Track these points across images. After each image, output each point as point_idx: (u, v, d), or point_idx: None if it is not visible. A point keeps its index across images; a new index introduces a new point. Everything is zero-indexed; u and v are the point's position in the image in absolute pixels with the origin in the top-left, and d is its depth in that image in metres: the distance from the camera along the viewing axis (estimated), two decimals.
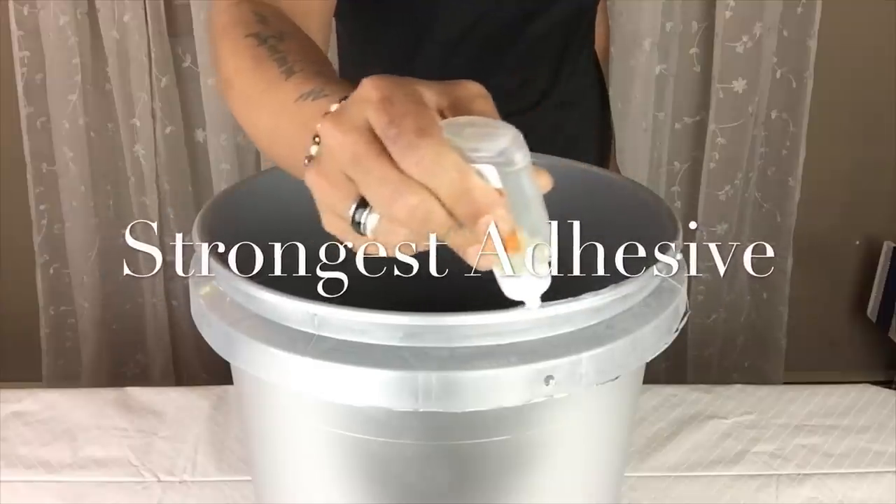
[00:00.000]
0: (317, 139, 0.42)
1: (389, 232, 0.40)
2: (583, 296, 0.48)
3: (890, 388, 1.06)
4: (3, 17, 1.82)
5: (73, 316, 2.04)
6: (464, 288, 0.74)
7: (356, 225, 0.41)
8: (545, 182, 0.41)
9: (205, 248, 0.54)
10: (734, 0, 1.79)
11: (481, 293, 0.64)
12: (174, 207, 1.95)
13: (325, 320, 0.47)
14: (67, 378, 2.07)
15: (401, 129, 0.37)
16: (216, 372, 1.54)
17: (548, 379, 0.46)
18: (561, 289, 0.52)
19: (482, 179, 0.38)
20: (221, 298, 0.52)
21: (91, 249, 1.96)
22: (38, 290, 2.01)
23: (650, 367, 0.57)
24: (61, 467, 0.91)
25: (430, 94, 0.41)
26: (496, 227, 0.38)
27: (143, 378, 2.09)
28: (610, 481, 0.61)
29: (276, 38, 0.58)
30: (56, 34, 1.78)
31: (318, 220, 0.72)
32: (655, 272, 0.52)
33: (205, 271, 0.55)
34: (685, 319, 0.54)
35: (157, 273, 1.99)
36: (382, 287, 0.68)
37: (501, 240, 0.39)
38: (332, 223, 0.43)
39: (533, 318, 0.47)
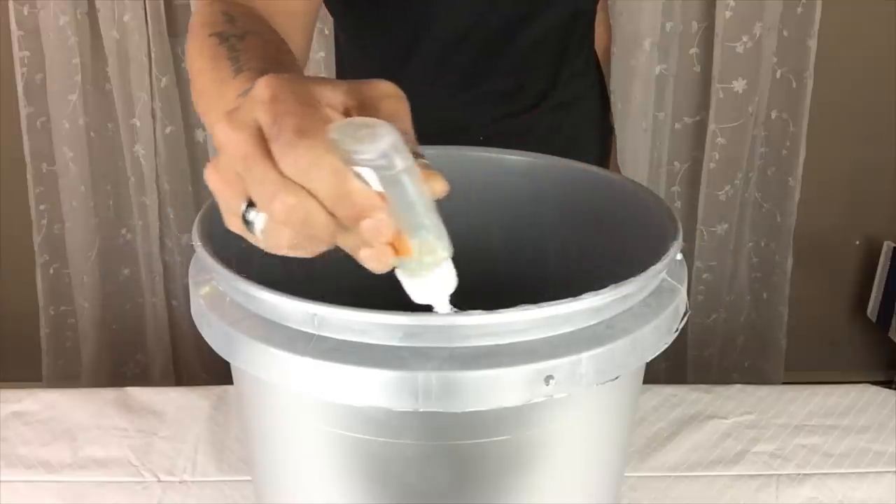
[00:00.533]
0: None
1: (276, 232, 0.40)
2: (583, 296, 0.48)
3: (890, 388, 1.06)
4: (3, 17, 1.82)
5: (73, 316, 2.04)
6: (464, 288, 0.74)
7: (248, 224, 0.40)
8: (439, 187, 0.40)
9: (205, 249, 0.54)
10: (734, 0, 1.79)
11: (481, 293, 0.64)
12: (174, 207, 1.95)
13: (325, 320, 0.47)
14: (67, 378, 2.07)
15: (282, 128, 0.37)
16: (216, 372, 1.54)
17: (548, 379, 0.46)
18: (561, 289, 0.52)
19: (362, 182, 0.37)
20: (221, 298, 0.52)
21: (91, 249, 1.96)
22: (38, 290, 2.01)
23: (650, 367, 0.57)
24: (61, 467, 0.91)
25: (335, 94, 0.40)
26: (378, 230, 0.38)
27: (143, 378, 2.09)
28: (610, 481, 0.61)
29: (237, 38, 0.58)
30: (56, 34, 1.78)
31: None
32: (655, 272, 0.52)
33: (205, 271, 0.55)
34: (685, 319, 0.54)
35: (156, 273, 2.00)
36: (382, 287, 0.68)
37: (389, 243, 0.39)
38: (231, 221, 0.42)
39: (533, 317, 0.47)
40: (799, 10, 1.84)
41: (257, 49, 0.56)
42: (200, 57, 0.58)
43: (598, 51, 1.13)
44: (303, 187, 0.37)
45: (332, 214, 0.38)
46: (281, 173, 0.37)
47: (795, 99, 1.91)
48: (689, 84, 1.93)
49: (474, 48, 0.93)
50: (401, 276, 0.42)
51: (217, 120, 0.39)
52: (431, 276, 0.42)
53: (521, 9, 0.93)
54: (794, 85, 1.90)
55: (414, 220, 0.39)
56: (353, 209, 0.38)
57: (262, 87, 0.39)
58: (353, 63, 1.01)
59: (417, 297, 0.43)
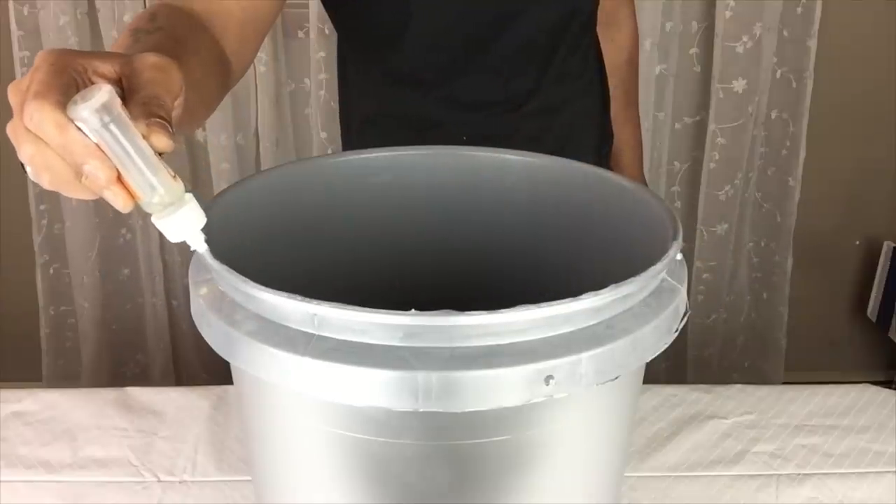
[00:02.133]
0: None
1: (36, 175, 0.47)
2: (583, 296, 0.48)
3: (890, 388, 1.06)
4: (3, 17, 1.82)
5: (73, 316, 2.04)
6: (464, 288, 0.74)
7: (25, 169, 0.48)
8: (161, 143, 0.47)
9: (205, 248, 0.53)
10: (734, 0, 1.79)
11: (481, 293, 0.64)
12: None
13: (325, 320, 0.47)
14: (67, 378, 2.07)
15: (28, 91, 0.45)
16: (216, 372, 1.54)
17: (548, 379, 0.46)
18: (560, 289, 0.52)
19: (80, 135, 0.44)
20: (221, 298, 0.52)
21: (91, 249, 1.96)
22: (38, 290, 2.01)
23: (650, 367, 0.57)
24: (61, 467, 0.91)
25: (106, 64, 0.48)
26: (96, 175, 0.45)
27: (143, 378, 2.09)
28: (610, 481, 0.61)
29: (146, 33, 0.62)
30: (56, 34, 1.78)
31: (316, 220, 0.73)
32: (655, 272, 0.52)
33: (205, 271, 0.55)
34: (685, 319, 0.54)
35: (156, 273, 2.00)
36: (382, 287, 0.68)
37: (110, 181, 0.46)
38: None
39: (533, 317, 0.47)
40: (799, 10, 1.84)
41: (156, 42, 0.61)
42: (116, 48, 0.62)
43: (619, 55, 1.12)
44: (38, 138, 0.45)
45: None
46: (27, 128, 0.45)
47: (795, 99, 1.91)
48: (689, 84, 1.93)
49: (460, 44, 0.93)
50: (154, 221, 0.49)
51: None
52: (174, 217, 0.49)
53: (505, 7, 0.92)
54: (794, 85, 1.90)
55: (126, 168, 0.46)
56: (72, 156, 0.45)
57: (37, 57, 0.47)
58: (347, 52, 1.02)
59: (171, 237, 0.50)
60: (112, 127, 0.45)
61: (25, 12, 1.81)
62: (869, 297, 2.10)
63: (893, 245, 2.03)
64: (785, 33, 1.86)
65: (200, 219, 0.50)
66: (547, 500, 0.55)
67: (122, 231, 2.01)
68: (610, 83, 1.11)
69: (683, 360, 2.09)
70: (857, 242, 2.15)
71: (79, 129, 0.44)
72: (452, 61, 0.95)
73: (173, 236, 0.50)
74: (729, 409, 1.01)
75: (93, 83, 0.48)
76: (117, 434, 0.96)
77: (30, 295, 2.01)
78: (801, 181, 1.95)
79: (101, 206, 1.95)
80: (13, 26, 1.81)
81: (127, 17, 1.78)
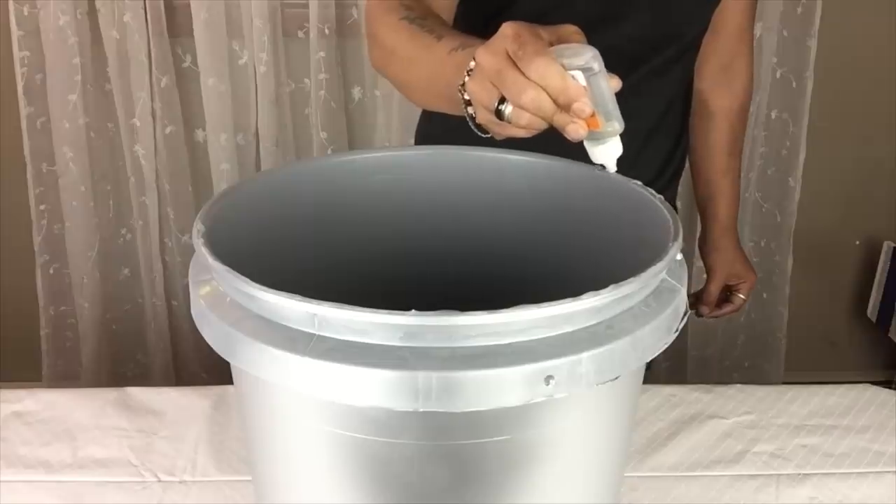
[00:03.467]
0: (469, 72, 0.65)
1: (519, 116, 0.61)
2: (583, 296, 0.48)
3: (890, 388, 1.06)
4: (3, 17, 1.82)
5: (73, 316, 2.04)
6: (464, 288, 0.74)
7: (498, 113, 0.62)
8: (615, 83, 0.62)
9: (205, 249, 0.54)
10: None
11: (482, 293, 0.64)
12: (174, 207, 1.95)
13: (325, 320, 0.47)
14: (67, 378, 2.07)
15: (525, 52, 0.59)
16: (216, 372, 1.54)
17: (548, 379, 0.46)
18: (561, 289, 0.52)
19: (574, 81, 0.59)
20: (221, 298, 0.52)
21: (91, 249, 1.96)
22: (38, 290, 2.01)
23: (650, 367, 0.57)
24: (61, 467, 0.91)
25: (544, 32, 0.62)
26: (583, 109, 0.59)
27: (143, 378, 2.09)
28: (610, 481, 0.61)
29: (421, 18, 0.79)
30: (56, 34, 1.78)
31: (317, 220, 0.72)
32: (655, 272, 0.52)
33: (205, 271, 0.55)
34: (685, 319, 0.54)
35: (156, 273, 2.00)
36: (383, 287, 0.68)
37: (585, 119, 0.60)
38: (483, 115, 0.65)
39: (533, 317, 0.47)
40: (799, 10, 1.84)
41: (439, 25, 0.78)
42: (396, 34, 0.80)
43: (733, 102, 1.12)
44: (538, 85, 0.59)
45: (555, 102, 0.59)
46: (526, 78, 0.59)
47: (795, 99, 1.91)
48: None
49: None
50: (587, 143, 0.64)
51: (462, 50, 0.69)
52: (608, 144, 0.64)
53: (615, 9, 0.95)
54: (794, 85, 1.90)
55: (602, 105, 0.61)
56: (567, 97, 0.59)
57: (507, 28, 0.62)
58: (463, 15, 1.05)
59: (597, 158, 0.65)
60: (599, 74, 0.60)
61: (25, 12, 1.81)
62: (869, 297, 2.10)
63: (893, 245, 2.03)
64: (785, 33, 1.86)
65: (620, 150, 0.64)
66: (547, 500, 0.55)
67: (122, 231, 2.01)
68: (718, 129, 1.14)
69: (683, 360, 2.09)
70: (857, 242, 2.15)
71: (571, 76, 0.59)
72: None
73: (598, 158, 0.65)
74: (729, 409, 1.01)
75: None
76: (117, 434, 0.96)
77: (30, 295, 2.01)
78: (801, 181, 1.95)
79: (100, 206, 1.96)
80: (13, 26, 1.81)
81: (127, 17, 1.78)
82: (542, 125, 0.61)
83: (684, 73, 1.06)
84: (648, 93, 1.02)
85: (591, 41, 1.01)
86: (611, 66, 1.02)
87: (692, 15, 1.01)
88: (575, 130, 0.60)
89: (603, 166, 0.65)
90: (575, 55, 0.59)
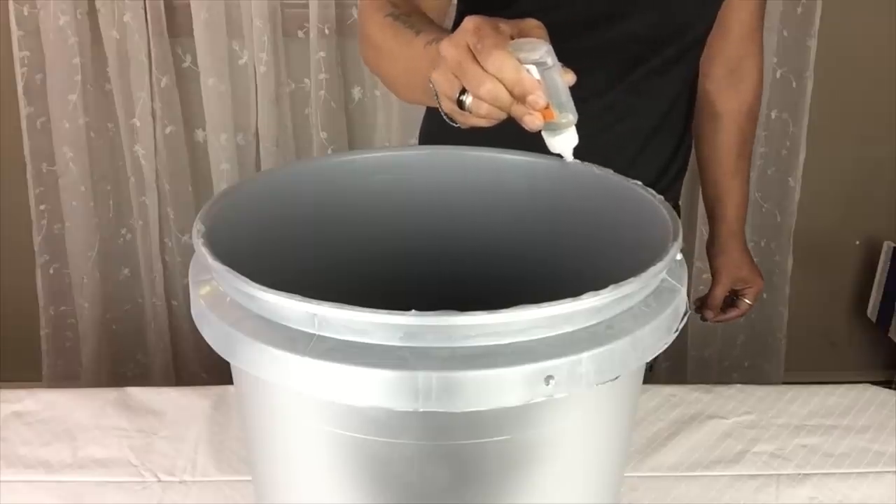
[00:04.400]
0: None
1: (478, 106, 0.64)
2: (583, 296, 0.48)
3: (890, 388, 1.06)
4: (3, 17, 1.82)
5: (73, 316, 2.04)
6: (464, 288, 0.74)
7: (460, 104, 0.66)
8: (569, 77, 0.64)
9: (205, 249, 0.54)
10: None
11: (481, 293, 0.64)
12: (174, 207, 1.95)
13: (325, 320, 0.47)
14: (67, 378, 2.07)
15: (484, 45, 0.62)
16: (216, 372, 1.54)
17: (548, 379, 0.46)
18: (560, 289, 0.52)
19: (528, 74, 0.61)
20: (221, 298, 0.52)
21: (91, 249, 1.96)
22: (38, 290, 2.01)
23: (650, 367, 0.57)
24: (61, 467, 0.91)
25: (506, 26, 0.65)
26: (537, 101, 0.62)
27: (143, 378, 2.09)
28: (610, 481, 0.61)
29: (405, 16, 0.82)
30: (56, 34, 1.78)
31: (317, 220, 0.72)
32: (655, 272, 0.52)
33: (205, 271, 0.55)
34: (685, 319, 0.54)
35: (156, 273, 2.00)
36: (383, 287, 0.68)
37: (539, 111, 0.63)
38: (447, 105, 0.68)
39: (533, 317, 0.47)
40: (799, 10, 1.84)
41: (421, 21, 0.81)
42: (383, 31, 0.83)
43: (741, 105, 1.12)
44: (496, 78, 0.61)
45: (511, 94, 0.62)
46: (484, 70, 0.62)
47: (795, 99, 1.90)
48: None
49: (561, 27, 0.98)
50: (545, 134, 0.66)
51: (436, 44, 0.69)
52: (564, 134, 0.66)
53: (617, 8, 0.95)
54: (794, 85, 1.90)
55: (556, 97, 0.63)
56: (522, 89, 0.61)
57: (469, 22, 0.64)
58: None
59: (554, 148, 0.67)
60: (553, 69, 0.62)
61: (25, 12, 1.81)
62: (869, 297, 2.10)
63: (893, 245, 2.03)
64: (785, 33, 1.86)
65: (575, 140, 0.67)
66: (547, 500, 0.55)
67: (122, 231, 2.01)
68: (726, 131, 1.13)
69: (683, 360, 2.09)
70: (857, 242, 2.15)
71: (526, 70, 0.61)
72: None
73: (555, 148, 0.67)
74: (729, 409, 1.01)
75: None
76: (117, 434, 0.96)
77: (30, 295, 2.01)
78: (801, 181, 1.95)
79: (100, 206, 1.96)
80: (13, 26, 1.81)
81: (127, 17, 1.78)
82: (501, 115, 0.64)
83: (688, 72, 1.06)
84: (649, 92, 1.02)
85: (592, 39, 1.02)
86: (611, 65, 1.03)
87: (695, 14, 1.00)
88: (531, 121, 0.63)
89: (561, 156, 0.68)
90: (531, 50, 0.62)
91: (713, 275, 1.21)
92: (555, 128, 0.65)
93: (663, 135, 1.07)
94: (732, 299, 1.21)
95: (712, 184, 1.18)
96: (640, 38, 0.97)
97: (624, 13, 0.96)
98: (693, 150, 1.17)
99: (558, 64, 0.63)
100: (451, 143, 0.76)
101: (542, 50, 0.62)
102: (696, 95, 1.12)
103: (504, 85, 0.62)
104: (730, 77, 1.12)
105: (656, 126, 1.05)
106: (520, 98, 0.62)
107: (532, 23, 0.66)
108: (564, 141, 0.67)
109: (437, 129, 1.16)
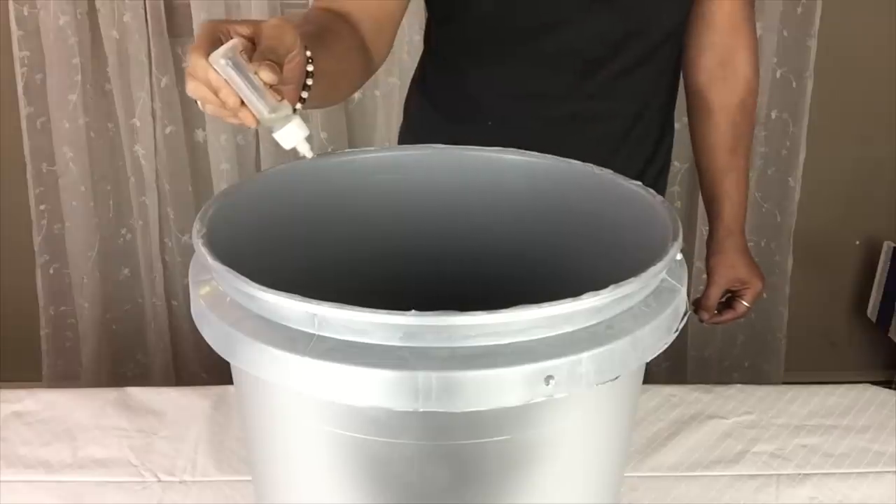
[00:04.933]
0: None
1: (202, 107, 0.65)
2: (583, 296, 0.48)
3: (890, 388, 1.06)
4: (3, 17, 1.82)
5: (73, 316, 2.04)
6: (464, 288, 0.74)
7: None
8: (265, 75, 0.62)
9: (205, 249, 0.54)
10: None
11: (481, 293, 0.64)
12: (174, 207, 1.95)
13: (325, 320, 0.47)
14: (67, 378, 2.07)
15: (191, 48, 0.63)
16: (216, 372, 1.54)
17: (548, 379, 0.46)
18: (560, 289, 0.52)
19: (216, 73, 0.62)
20: (221, 298, 0.52)
21: (91, 249, 1.96)
22: (38, 290, 2.01)
23: (650, 367, 0.57)
24: (61, 467, 0.91)
25: (243, 27, 0.65)
26: (225, 101, 0.63)
27: (143, 378, 2.09)
28: (610, 481, 0.61)
29: (301, 25, 0.77)
30: (56, 34, 1.78)
31: (316, 220, 0.72)
32: (655, 272, 0.52)
33: (205, 271, 0.55)
34: (685, 319, 0.54)
35: (156, 273, 2.00)
36: (383, 287, 0.68)
37: (236, 106, 0.63)
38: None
39: (533, 317, 0.47)
40: (799, 10, 1.84)
41: (304, 31, 0.75)
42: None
43: (731, 97, 1.09)
44: (197, 79, 0.63)
45: (216, 94, 0.63)
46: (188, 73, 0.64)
47: (795, 99, 1.90)
48: None
49: (513, 32, 0.97)
50: (273, 135, 0.66)
51: None
52: (285, 129, 0.65)
53: (561, 13, 0.95)
54: (794, 85, 1.90)
55: (243, 94, 0.62)
56: (213, 87, 0.63)
57: (199, 26, 0.62)
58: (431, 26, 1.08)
59: (284, 145, 0.66)
60: (231, 66, 0.61)
61: (25, 12, 1.81)
62: (869, 297, 2.10)
63: (893, 245, 2.03)
64: (785, 33, 1.86)
65: (304, 131, 0.66)
66: (547, 500, 0.55)
67: (122, 231, 2.01)
68: (719, 126, 1.10)
69: (683, 360, 2.09)
70: (857, 242, 2.15)
71: (216, 70, 0.61)
72: (500, 44, 0.97)
73: (286, 144, 0.66)
74: (729, 409, 1.01)
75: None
76: (117, 434, 0.96)
77: (30, 295, 2.01)
78: (801, 181, 1.95)
79: (100, 206, 1.96)
80: (13, 26, 1.81)
81: (127, 17, 1.78)
82: (225, 113, 0.65)
83: (658, 73, 1.04)
84: (616, 96, 1.01)
85: (549, 43, 1.00)
86: (570, 70, 1.01)
87: (658, 12, 0.98)
88: (244, 118, 0.64)
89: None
90: (219, 50, 0.62)
91: (708, 274, 1.17)
92: (272, 124, 0.65)
93: (637, 136, 1.06)
94: (730, 300, 1.18)
95: (708, 181, 1.15)
96: (599, 40, 0.96)
97: (578, 16, 0.95)
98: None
99: (243, 61, 0.62)
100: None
101: (225, 47, 0.62)
102: (677, 91, 1.10)
103: (205, 85, 0.63)
104: (721, 69, 1.09)
105: (628, 128, 1.04)
106: (213, 96, 0.64)
107: (270, 23, 0.66)
108: (287, 135, 0.66)
109: (404, 129, 1.16)
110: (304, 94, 0.69)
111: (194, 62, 0.62)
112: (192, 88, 0.64)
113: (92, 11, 1.81)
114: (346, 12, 0.86)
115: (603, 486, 0.60)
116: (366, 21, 0.87)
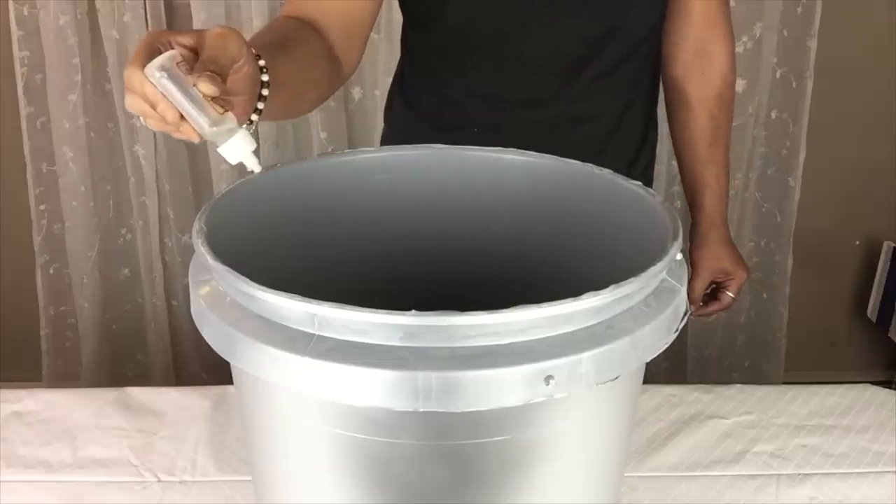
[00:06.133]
0: None
1: (144, 122, 0.62)
2: (583, 296, 0.48)
3: (890, 388, 1.06)
4: (3, 17, 1.82)
5: (73, 316, 2.04)
6: (463, 288, 0.74)
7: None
8: (204, 87, 0.59)
9: (205, 249, 0.54)
10: (734, 0, 1.79)
11: (481, 293, 0.64)
12: (174, 207, 1.95)
13: (325, 320, 0.47)
14: (67, 378, 2.07)
15: (129, 60, 0.61)
16: (216, 372, 1.54)
17: (548, 379, 0.46)
18: (560, 289, 0.52)
19: (151, 86, 0.59)
20: (221, 298, 0.52)
21: (91, 249, 1.96)
22: (38, 290, 2.01)
23: (650, 367, 0.57)
24: (61, 467, 0.91)
25: (185, 38, 0.62)
26: (163, 115, 0.60)
27: (143, 378, 2.09)
28: (610, 481, 0.61)
29: (264, 34, 0.78)
30: (56, 34, 1.78)
31: (316, 220, 0.72)
32: (655, 272, 0.52)
33: (205, 271, 0.55)
34: (685, 319, 0.54)
35: (156, 273, 2.00)
36: (382, 287, 0.68)
37: (176, 120, 0.60)
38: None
39: (533, 317, 0.47)
40: (799, 10, 1.84)
41: (265, 41, 0.74)
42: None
43: (708, 89, 1.09)
44: (134, 92, 0.60)
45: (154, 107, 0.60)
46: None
47: (795, 99, 1.90)
48: None
49: (490, 37, 0.96)
50: (217, 149, 0.63)
51: None
52: (229, 143, 0.62)
53: (543, 13, 0.94)
54: (794, 85, 1.90)
55: (181, 107, 0.59)
56: (149, 101, 0.60)
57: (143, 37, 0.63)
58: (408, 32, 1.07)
59: (230, 160, 0.63)
60: (166, 78, 0.59)
61: (25, 12, 1.81)
62: (869, 297, 2.10)
63: (893, 245, 2.03)
64: (785, 33, 1.86)
65: (250, 144, 0.63)
66: (547, 500, 0.55)
67: (122, 231, 2.01)
68: (696, 119, 1.09)
69: (683, 360, 2.09)
70: (857, 242, 2.15)
71: (151, 83, 0.59)
72: (476, 51, 0.97)
73: (231, 159, 0.63)
74: (729, 409, 1.01)
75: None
76: (117, 434, 0.96)
77: (30, 295, 2.01)
78: (801, 181, 1.95)
79: (100, 206, 1.96)
80: (13, 26, 1.81)
81: (127, 17, 1.78)
82: (168, 128, 0.62)
83: (638, 71, 1.04)
84: (598, 96, 1.01)
85: (527, 45, 0.99)
86: (550, 71, 1.01)
87: (634, 9, 0.98)
88: (185, 133, 0.61)
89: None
90: (154, 62, 0.60)
91: (692, 267, 1.15)
92: (216, 138, 0.62)
93: (621, 136, 1.06)
94: (715, 292, 1.17)
95: (689, 174, 1.14)
96: (577, 40, 0.96)
97: (555, 17, 0.94)
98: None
99: (181, 73, 0.59)
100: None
101: (155, 63, 0.59)
102: (658, 89, 1.10)
103: (143, 99, 0.60)
104: (696, 60, 1.08)
105: (612, 128, 1.04)
106: (151, 110, 0.61)
107: (212, 32, 0.63)
108: (231, 149, 0.62)
109: (386, 131, 1.16)
110: (261, 105, 0.66)
111: (129, 75, 0.60)
112: (130, 103, 0.61)
113: (92, 11, 1.81)
114: (313, 19, 0.84)
115: (603, 486, 0.60)
116: (333, 28, 0.85)
